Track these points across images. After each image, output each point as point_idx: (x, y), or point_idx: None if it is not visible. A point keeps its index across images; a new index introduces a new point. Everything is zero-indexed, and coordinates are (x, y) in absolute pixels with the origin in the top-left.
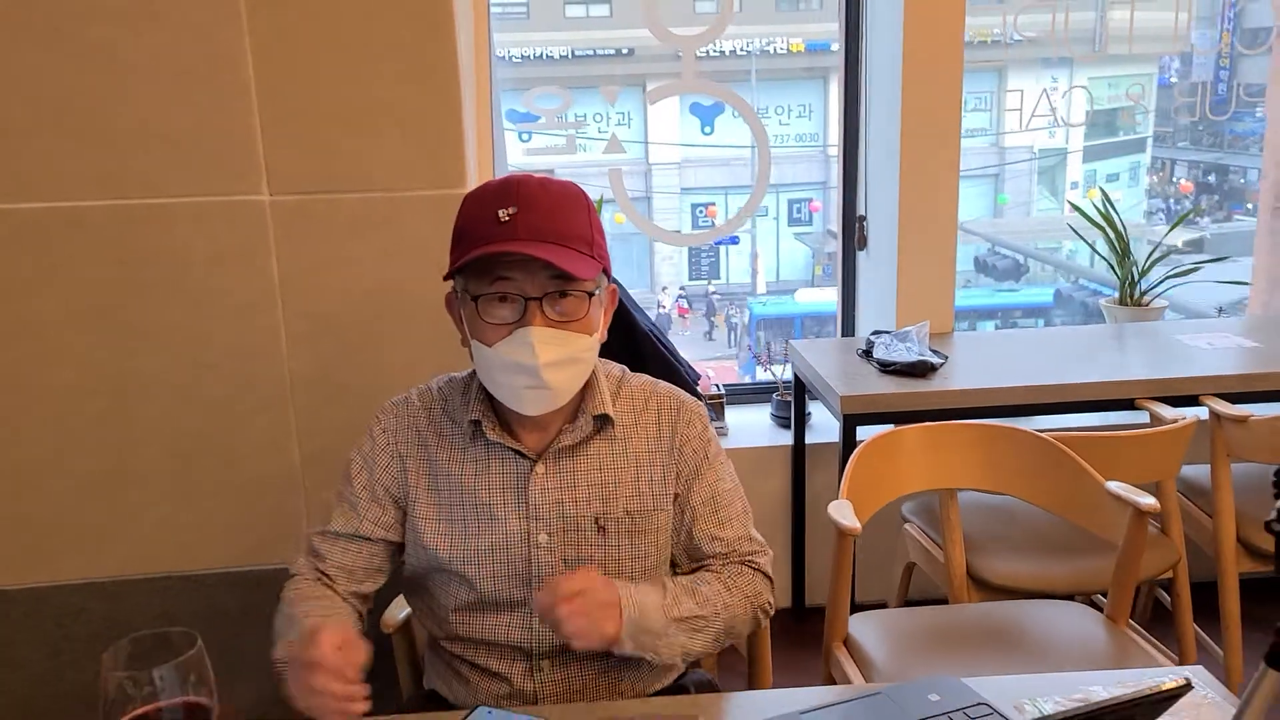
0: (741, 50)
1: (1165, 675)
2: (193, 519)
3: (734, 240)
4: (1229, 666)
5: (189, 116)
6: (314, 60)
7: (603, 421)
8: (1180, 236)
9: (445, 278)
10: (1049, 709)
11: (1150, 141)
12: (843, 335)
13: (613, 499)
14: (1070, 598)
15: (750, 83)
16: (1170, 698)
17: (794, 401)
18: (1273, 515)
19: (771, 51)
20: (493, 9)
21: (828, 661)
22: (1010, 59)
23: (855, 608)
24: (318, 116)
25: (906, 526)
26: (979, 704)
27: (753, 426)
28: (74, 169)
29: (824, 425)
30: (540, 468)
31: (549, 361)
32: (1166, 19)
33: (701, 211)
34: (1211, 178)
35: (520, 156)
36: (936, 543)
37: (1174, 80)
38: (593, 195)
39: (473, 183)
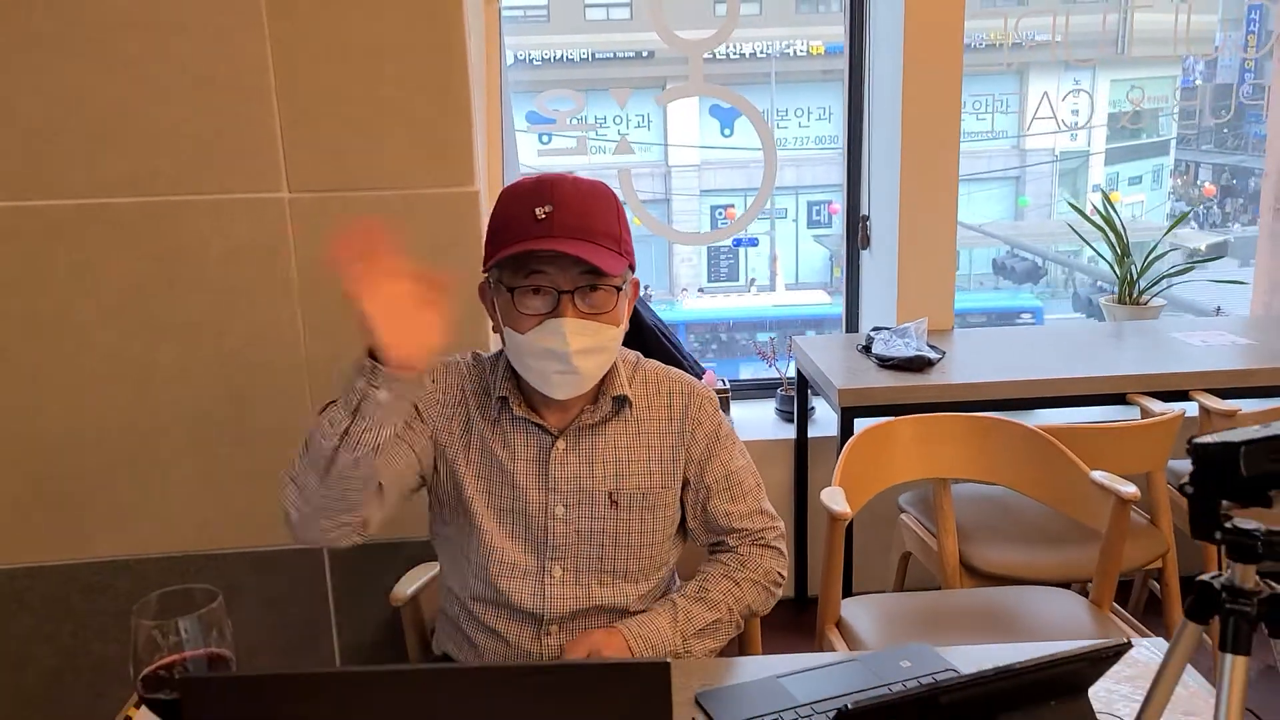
0: (762, 53)
1: (1112, 641)
2: (213, 500)
3: (753, 242)
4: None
5: (213, 119)
6: (331, 65)
7: (620, 403)
8: (1205, 240)
9: (484, 270)
10: None
11: (1173, 144)
12: (847, 332)
13: (626, 476)
14: (1068, 586)
15: (770, 85)
16: (1111, 657)
17: (797, 396)
18: (1185, 479)
19: (791, 54)
20: (513, 12)
21: (820, 643)
22: (1032, 61)
23: None
24: (334, 118)
25: (902, 517)
26: (947, 670)
27: (757, 421)
28: (105, 169)
29: (827, 420)
30: (561, 444)
31: (579, 349)
32: (1191, 22)
33: (721, 213)
34: (1236, 181)
35: (534, 157)
36: (931, 532)
37: (1198, 82)
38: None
39: (481, 182)
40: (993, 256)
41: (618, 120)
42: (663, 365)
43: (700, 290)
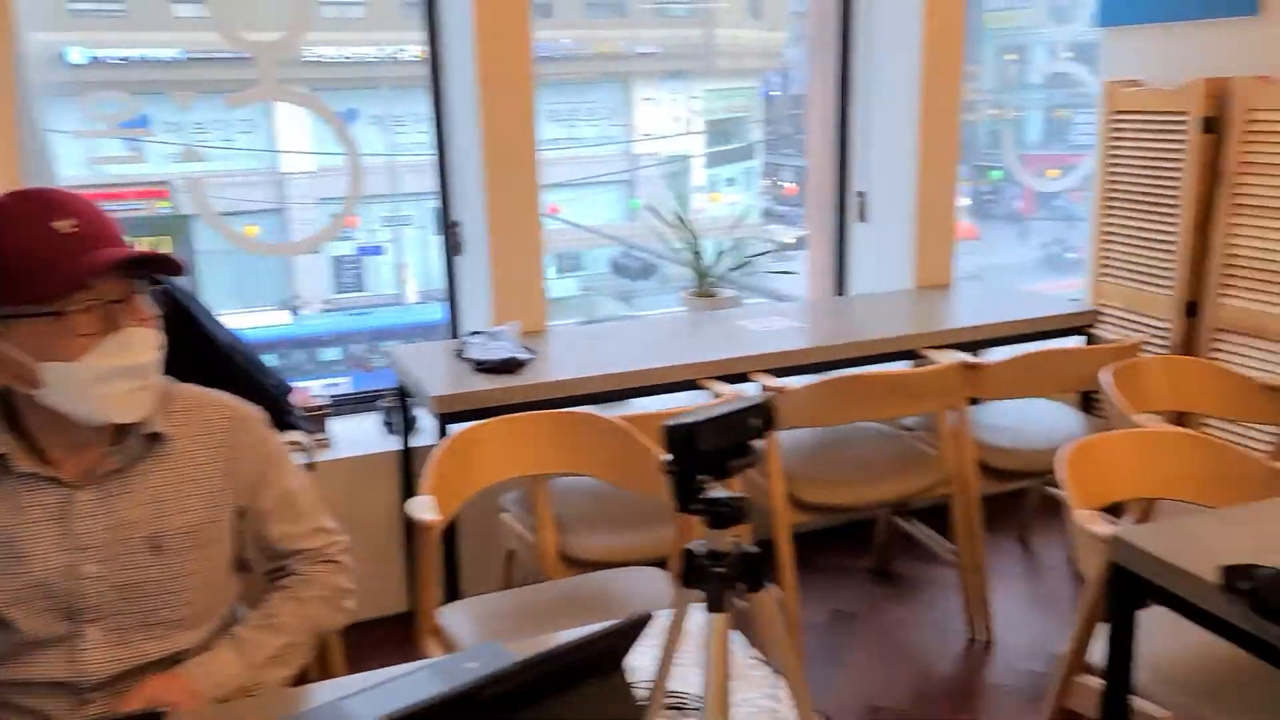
0: (374, 57)
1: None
2: None
3: (378, 250)
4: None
5: None
6: None
7: (152, 439)
8: (795, 234)
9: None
10: None
11: (759, 148)
12: (452, 337)
13: (169, 517)
14: (662, 564)
15: (379, 91)
16: (632, 630)
17: (400, 407)
18: (668, 459)
19: (399, 59)
20: (83, 5)
21: (421, 654)
22: (633, 71)
23: None
24: None
25: (503, 516)
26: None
27: (363, 435)
28: None
29: (434, 427)
30: (84, 495)
31: (150, 361)
32: (765, 37)
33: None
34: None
35: (79, 167)
36: (531, 528)
37: (777, 93)
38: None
39: None
40: (611, 257)
41: (219, 124)
42: (200, 389)
43: (325, 303)
